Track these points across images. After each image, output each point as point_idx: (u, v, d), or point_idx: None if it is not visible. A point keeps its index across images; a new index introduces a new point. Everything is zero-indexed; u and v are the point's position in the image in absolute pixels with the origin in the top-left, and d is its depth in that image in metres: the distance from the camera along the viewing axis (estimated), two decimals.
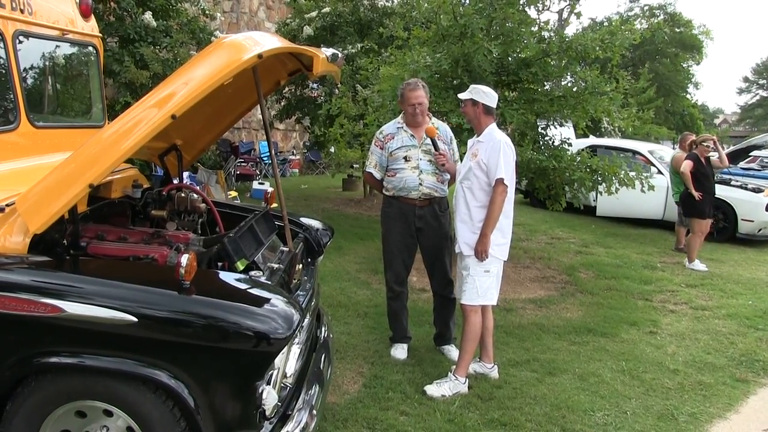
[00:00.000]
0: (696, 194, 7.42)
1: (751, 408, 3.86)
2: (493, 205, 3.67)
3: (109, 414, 2.21)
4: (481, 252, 3.69)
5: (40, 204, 2.32)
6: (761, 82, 46.23)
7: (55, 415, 2.21)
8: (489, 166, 3.68)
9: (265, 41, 2.52)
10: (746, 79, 47.46)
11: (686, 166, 7.49)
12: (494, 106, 3.83)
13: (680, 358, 4.54)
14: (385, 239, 4.27)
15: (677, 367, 4.36)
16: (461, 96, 3.87)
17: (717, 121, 50.25)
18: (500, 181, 3.64)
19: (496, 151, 3.67)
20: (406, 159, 4.09)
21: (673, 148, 11.55)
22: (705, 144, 7.62)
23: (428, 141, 4.10)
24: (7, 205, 2.41)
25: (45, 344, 2.17)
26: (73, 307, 2.09)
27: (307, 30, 10.37)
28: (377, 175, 4.24)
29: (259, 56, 2.35)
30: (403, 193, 4.12)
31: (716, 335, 5.07)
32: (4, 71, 3.00)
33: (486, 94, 3.80)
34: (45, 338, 2.17)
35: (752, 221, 9.14)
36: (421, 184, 4.08)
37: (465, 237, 3.78)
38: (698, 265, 7.40)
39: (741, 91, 47.59)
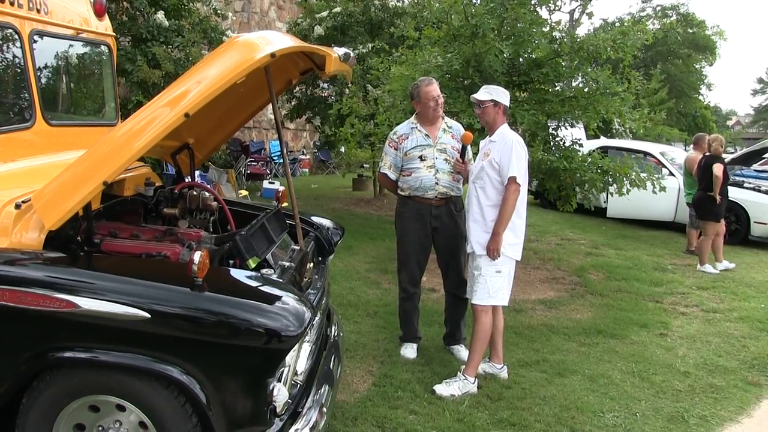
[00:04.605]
0: (718, 198, 7.35)
1: (764, 412, 3.83)
2: (506, 204, 3.67)
3: (122, 409, 2.23)
4: (493, 251, 3.69)
5: (55, 201, 2.34)
6: None
7: (69, 409, 2.24)
8: (501, 164, 3.68)
9: (278, 40, 2.54)
10: (760, 81, 47.06)
11: (719, 169, 7.31)
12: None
13: (691, 361, 4.51)
14: (401, 240, 4.26)
15: (688, 369, 4.34)
16: (480, 97, 3.82)
17: (730, 123, 49.80)
18: (513, 180, 3.64)
19: (508, 150, 3.67)
20: (421, 158, 4.09)
21: (685, 150, 11.47)
22: (716, 144, 7.56)
23: (443, 140, 4.11)
24: (23, 202, 2.44)
25: (60, 339, 2.19)
26: (88, 303, 2.11)
27: (318, 30, 10.39)
28: (392, 175, 4.23)
29: (272, 55, 2.36)
30: (419, 192, 4.12)
31: (728, 338, 5.04)
32: (20, 70, 3.03)
33: (505, 95, 3.84)
34: (60, 333, 2.19)
35: (765, 224, 9.07)
36: (437, 183, 4.08)
37: (477, 236, 3.78)
38: (709, 268, 7.34)
39: (755, 93, 47.24)
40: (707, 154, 7.64)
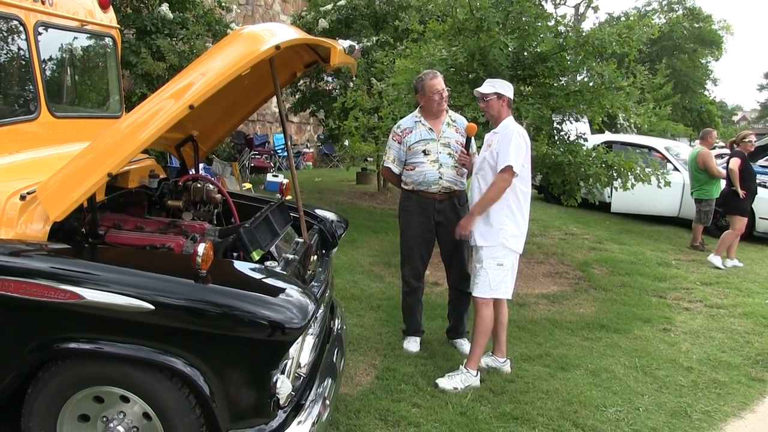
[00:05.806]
0: (741, 192, 7.34)
1: (767, 407, 3.83)
2: (492, 187, 3.67)
3: (126, 400, 2.25)
4: (462, 227, 3.80)
5: (60, 192, 2.35)
6: None
7: (74, 399, 2.25)
8: (499, 153, 3.66)
9: (283, 33, 2.53)
10: (767, 75, 46.77)
11: (735, 163, 7.37)
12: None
13: (694, 356, 4.51)
14: (404, 234, 4.26)
15: (691, 364, 4.34)
16: (484, 91, 3.81)
17: (735, 118, 49.58)
18: (509, 169, 3.62)
19: (507, 140, 3.66)
20: (425, 153, 4.08)
21: (690, 145, 11.42)
22: (748, 140, 7.57)
23: (447, 134, 4.09)
24: (28, 193, 2.44)
25: (64, 330, 2.20)
26: (92, 294, 2.12)
27: (323, 23, 10.36)
28: (396, 169, 4.22)
29: (277, 47, 2.35)
30: (423, 187, 4.11)
31: (732, 334, 5.03)
32: (25, 62, 3.04)
33: (509, 87, 3.83)
34: (64, 324, 2.20)
35: None
36: (441, 177, 4.07)
37: (480, 228, 3.78)
38: (718, 261, 7.35)
39: (762, 88, 46.90)
40: (734, 149, 7.66)
